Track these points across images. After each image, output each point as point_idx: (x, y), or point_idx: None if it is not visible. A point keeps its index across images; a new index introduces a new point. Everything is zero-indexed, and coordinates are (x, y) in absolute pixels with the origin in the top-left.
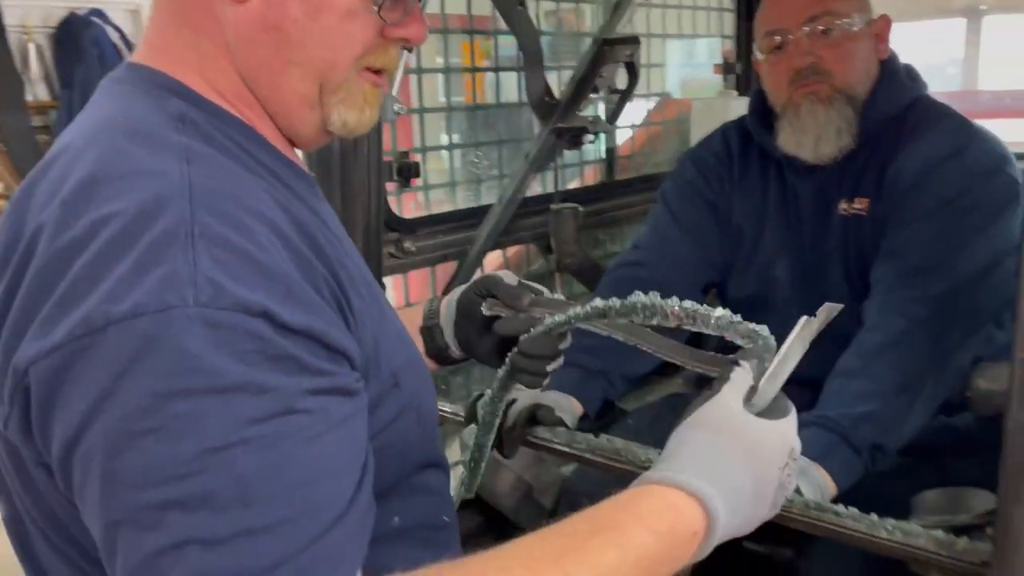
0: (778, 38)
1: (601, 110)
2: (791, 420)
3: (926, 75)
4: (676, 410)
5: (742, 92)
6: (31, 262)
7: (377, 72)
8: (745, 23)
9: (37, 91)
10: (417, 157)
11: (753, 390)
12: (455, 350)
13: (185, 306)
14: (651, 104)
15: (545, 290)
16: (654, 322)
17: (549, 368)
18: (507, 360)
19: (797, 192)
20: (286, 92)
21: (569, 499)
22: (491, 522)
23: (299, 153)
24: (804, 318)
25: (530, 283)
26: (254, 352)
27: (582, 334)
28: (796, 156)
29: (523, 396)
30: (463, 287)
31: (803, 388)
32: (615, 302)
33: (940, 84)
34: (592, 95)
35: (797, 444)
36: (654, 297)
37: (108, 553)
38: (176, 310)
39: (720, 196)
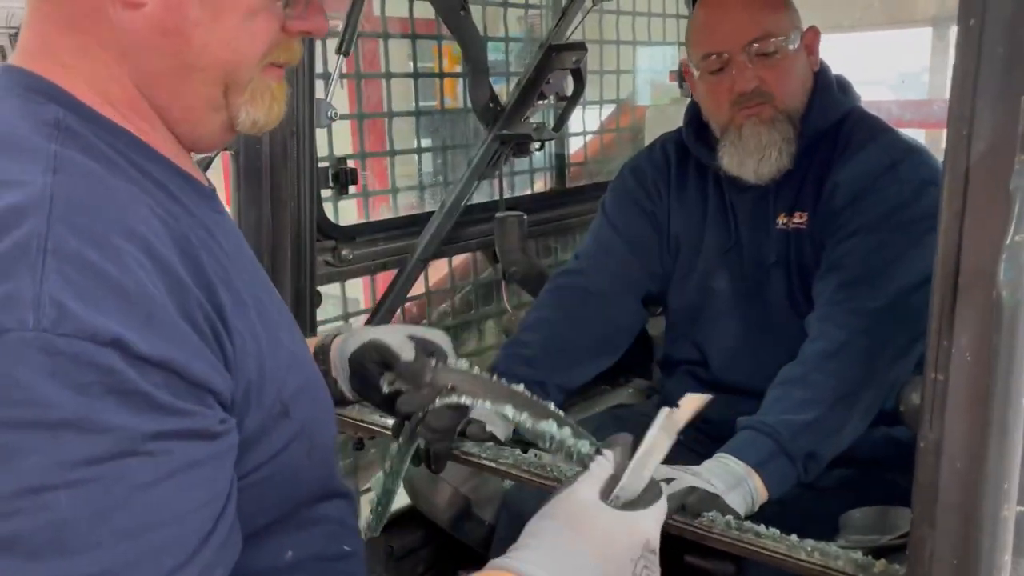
0: (717, 60)
1: (552, 118)
2: (655, 511)
3: (901, 83)
4: (620, 422)
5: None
6: None
7: (279, 66)
8: None
9: None
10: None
11: (615, 480)
12: (350, 396)
13: (22, 330)
14: (606, 111)
15: (444, 347)
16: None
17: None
18: (408, 429)
19: (735, 205)
20: (188, 97)
21: (509, 512)
22: (430, 536)
23: (221, 159)
24: (665, 409)
25: (428, 340)
26: (97, 384)
27: (518, 344)
28: (738, 177)
29: None
30: (353, 342)
31: (749, 398)
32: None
33: (914, 92)
34: (539, 102)
35: (655, 537)
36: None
37: None
38: (11, 334)
39: (658, 206)
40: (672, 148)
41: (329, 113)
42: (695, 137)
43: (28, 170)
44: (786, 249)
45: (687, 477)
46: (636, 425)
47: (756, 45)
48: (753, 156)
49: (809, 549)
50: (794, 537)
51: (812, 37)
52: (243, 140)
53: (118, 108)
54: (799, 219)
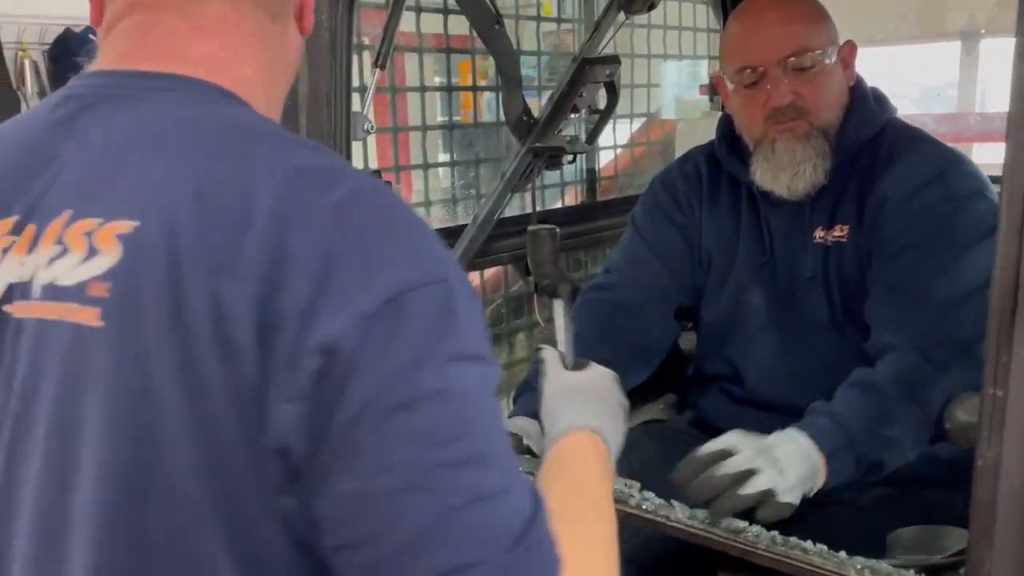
0: (752, 74)
1: (583, 131)
2: (592, 368)
3: (926, 97)
4: (654, 437)
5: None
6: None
7: None
8: None
9: (32, 106)
10: (391, 176)
11: (563, 357)
12: None
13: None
14: (636, 125)
15: None
16: None
17: None
18: None
19: (769, 220)
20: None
21: None
22: None
23: None
24: (558, 302)
25: None
26: None
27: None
28: (771, 191)
29: None
30: None
31: (785, 415)
32: None
33: (940, 106)
34: (572, 115)
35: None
36: None
37: (379, 521)
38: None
39: (689, 220)
40: (703, 161)
41: (365, 126)
42: (728, 150)
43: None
44: (824, 263)
45: (760, 462)
46: (671, 440)
47: (792, 59)
48: (787, 171)
49: (859, 567)
50: (843, 554)
51: (848, 51)
52: None
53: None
54: (840, 232)
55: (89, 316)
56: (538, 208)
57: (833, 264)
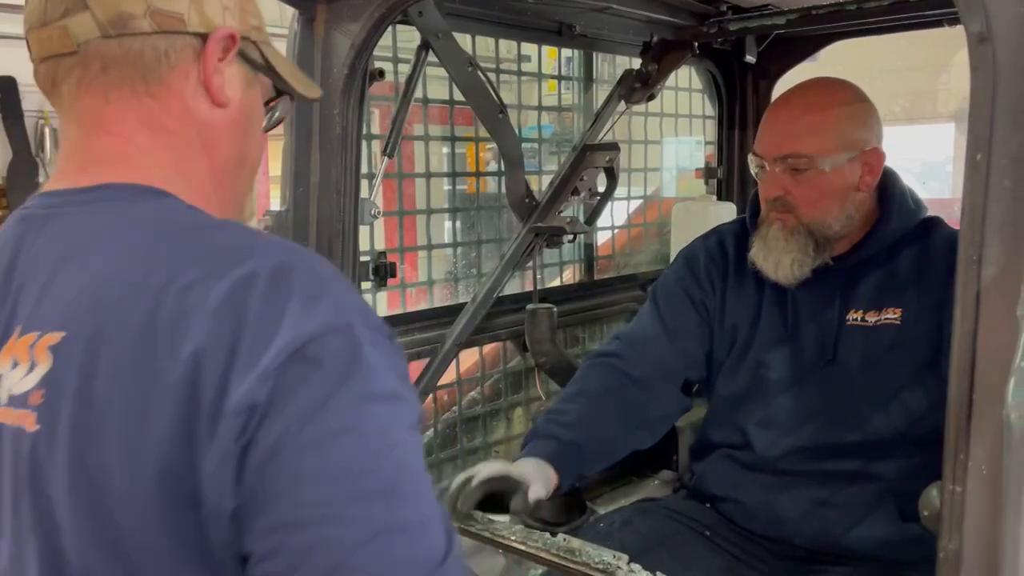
0: (757, 162)
1: (582, 212)
2: None
3: (927, 171)
4: (647, 515)
5: (721, 196)
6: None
7: None
8: (727, 130)
9: (51, 173)
10: (396, 257)
11: None
12: None
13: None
14: (633, 206)
15: None
16: None
17: None
18: None
19: (795, 297)
20: (239, 184)
21: None
22: None
23: None
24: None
25: None
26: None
27: (556, 412)
28: (764, 272)
29: (485, 469)
30: None
31: (790, 477)
32: None
33: (939, 182)
34: (573, 197)
35: None
36: None
37: (295, 553)
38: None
39: (709, 295)
40: (730, 236)
41: (372, 212)
42: (754, 224)
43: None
44: (858, 345)
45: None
46: (663, 518)
47: (784, 161)
48: (771, 258)
49: None
50: None
51: (872, 158)
52: (293, 238)
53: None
54: (892, 315)
55: (30, 421)
56: (537, 287)
57: (873, 345)
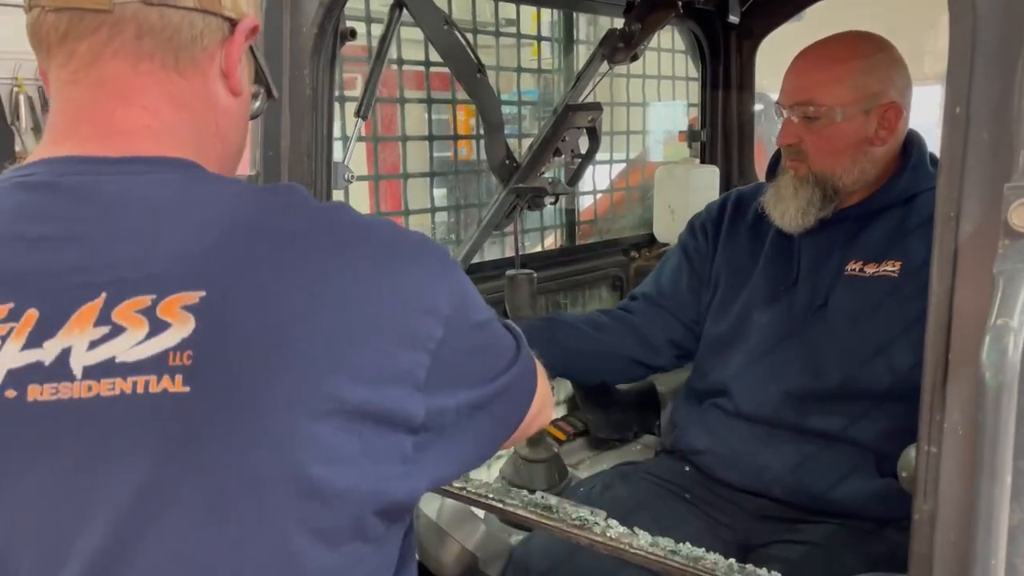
0: (779, 109)
1: (563, 176)
2: None
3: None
4: (626, 479)
5: (705, 160)
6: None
7: None
8: (710, 92)
9: (26, 141)
10: None
11: None
12: None
13: None
14: (616, 170)
15: None
16: None
17: None
18: None
19: (800, 248)
20: (234, 171)
21: (515, 569)
22: None
23: None
24: None
25: None
26: None
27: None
28: (772, 217)
29: None
30: None
31: (772, 428)
32: None
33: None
34: (555, 158)
35: None
36: None
37: None
38: None
39: (705, 258)
40: (736, 195)
41: (346, 176)
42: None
43: None
44: (852, 295)
45: None
46: (643, 481)
47: (799, 108)
48: (780, 205)
49: None
50: None
51: (889, 112)
52: None
53: None
54: (891, 267)
55: (175, 384)
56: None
57: (866, 296)
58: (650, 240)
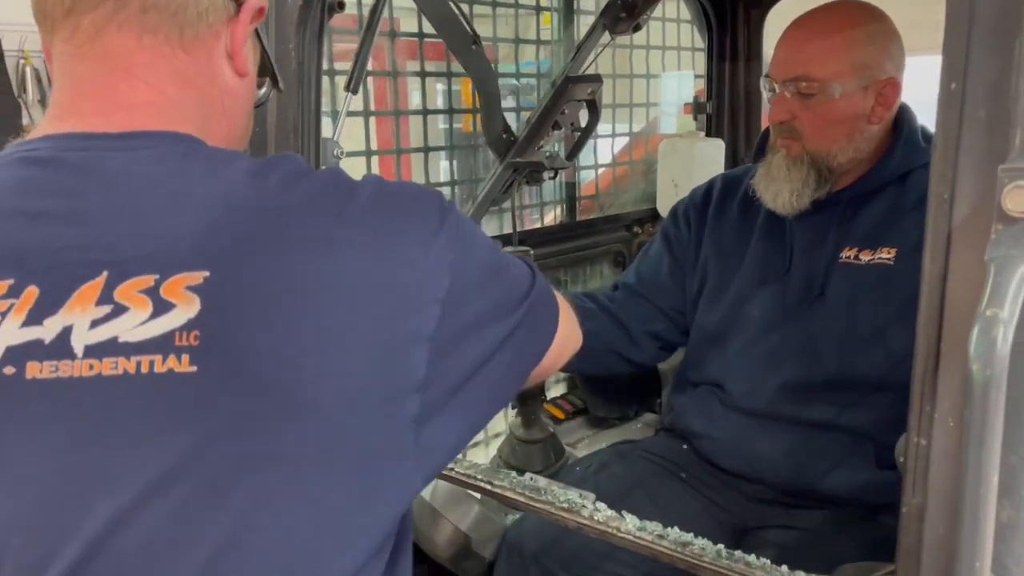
0: (769, 84)
1: (563, 150)
2: None
3: (922, 107)
4: (623, 457)
5: (711, 133)
6: None
7: None
8: (716, 63)
9: (33, 114)
10: None
11: None
12: None
13: None
14: (619, 144)
15: None
16: None
17: None
18: None
19: (792, 231)
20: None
21: (508, 549)
22: (430, 573)
23: None
24: None
25: None
26: None
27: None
28: (763, 198)
29: None
30: None
31: (768, 423)
32: None
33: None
34: (553, 131)
35: None
36: None
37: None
38: None
39: (687, 247)
40: (723, 179)
41: (336, 152)
42: (762, 155)
43: None
44: (847, 283)
45: None
46: (640, 460)
47: (793, 83)
48: (772, 187)
49: None
50: (784, 568)
51: (888, 88)
52: None
53: None
54: (886, 255)
55: (181, 364)
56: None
57: (860, 285)
58: (653, 215)
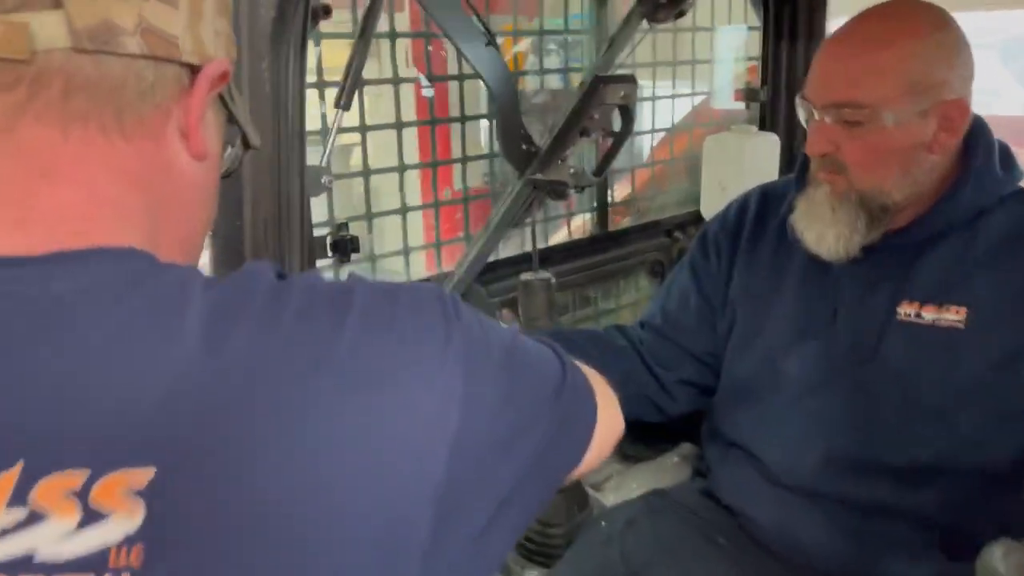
0: (804, 108)
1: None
2: None
3: (1011, 49)
4: (656, 514)
5: (765, 126)
6: None
7: None
8: (773, 43)
9: None
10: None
11: None
12: None
13: None
14: (659, 139)
15: None
16: None
17: None
18: None
19: (838, 275)
20: (199, 248)
21: None
22: None
23: None
24: None
25: None
26: None
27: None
28: (804, 240)
29: None
30: None
31: (811, 499)
32: None
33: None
34: (582, 138)
35: None
36: None
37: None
38: None
39: (717, 280)
40: (760, 196)
41: (324, 180)
42: (802, 184)
43: None
44: (907, 347)
45: None
46: (674, 519)
47: (837, 110)
48: (814, 227)
49: None
50: None
51: (953, 111)
52: (220, 220)
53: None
54: (955, 316)
55: None
56: (539, 245)
57: (925, 349)
58: (696, 219)
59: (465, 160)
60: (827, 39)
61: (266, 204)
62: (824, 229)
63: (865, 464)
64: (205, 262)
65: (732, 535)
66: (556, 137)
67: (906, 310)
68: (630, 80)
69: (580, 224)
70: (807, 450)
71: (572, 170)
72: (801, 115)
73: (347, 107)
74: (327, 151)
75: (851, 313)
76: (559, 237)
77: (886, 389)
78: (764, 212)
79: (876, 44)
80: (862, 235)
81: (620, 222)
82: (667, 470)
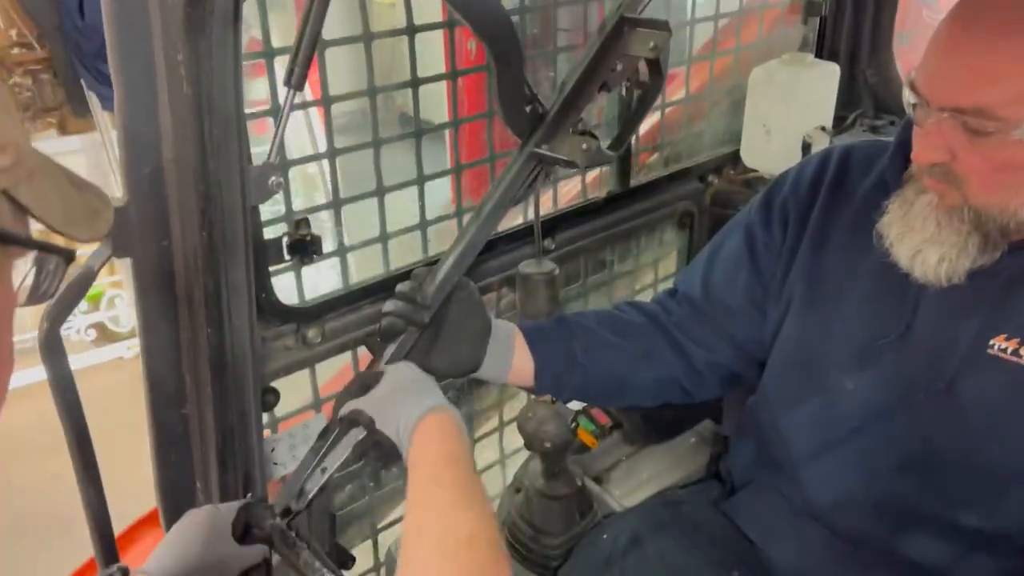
0: (916, 109)
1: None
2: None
3: None
4: (662, 531)
5: (823, 53)
6: None
7: None
8: None
9: None
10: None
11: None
12: None
13: None
14: (693, 68)
15: None
16: None
17: None
18: None
19: (920, 292)
20: None
21: None
22: None
23: None
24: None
25: None
26: None
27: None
28: (894, 252)
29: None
30: None
31: (858, 547)
32: None
33: None
34: (601, 91)
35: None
36: None
37: None
38: None
39: (778, 257)
40: (841, 158)
41: (272, 181)
42: (900, 168)
43: None
44: (994, 386)
45: None
46: (682, 539)
47: (958, 116)
48: (910, 240)
49: None
50: None
51: None
52: (139, 243)
53: None
54: None
55: None
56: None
57: (1016, 392)
58: (734, 158)
59: (453, 124)
60: (952, 14)
61: (196, 214)
62: (924, 245)
63: (924, 515)
64: (130, 291)
65: (749, 564)
66: (567, 96)
67: (999, 343)
68: (663, 26)
69: (595, 176)
70: (856, 487)
71: (585, 145)
72: (907, 105)
73: (299, 86)
74: (275, 144)
75: (930, 331)
76: (570, 188)
77: (958, 430)
78: (843, 180)
79: (1018, 36)
80: (971, 259)
81: (643, 167)
82: (681, 456)
